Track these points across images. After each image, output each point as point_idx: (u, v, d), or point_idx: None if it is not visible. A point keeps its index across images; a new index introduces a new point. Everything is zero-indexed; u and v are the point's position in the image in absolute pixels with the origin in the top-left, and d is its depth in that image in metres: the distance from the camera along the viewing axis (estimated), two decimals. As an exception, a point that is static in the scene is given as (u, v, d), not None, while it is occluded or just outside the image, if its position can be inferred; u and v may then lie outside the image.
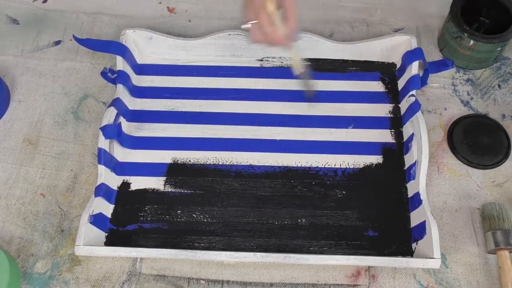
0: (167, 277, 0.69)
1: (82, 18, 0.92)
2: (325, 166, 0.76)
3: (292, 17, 0.63)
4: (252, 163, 0.77)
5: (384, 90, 0.83)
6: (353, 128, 0.79)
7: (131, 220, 0.73)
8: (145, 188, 0.75)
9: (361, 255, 0.66)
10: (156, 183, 0.76)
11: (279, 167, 0.76)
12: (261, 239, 0.71)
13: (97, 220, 0.70)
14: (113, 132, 0.75)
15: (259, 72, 0.85)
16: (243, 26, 0.66)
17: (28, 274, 0.69)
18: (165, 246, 0.70)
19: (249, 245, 0.71)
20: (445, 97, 0.83)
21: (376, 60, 0.85)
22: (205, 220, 0.73)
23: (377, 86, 0.83)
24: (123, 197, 0.74)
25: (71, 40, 0.88)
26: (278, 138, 0.79)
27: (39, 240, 0.72)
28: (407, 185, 0.74)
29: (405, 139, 0.78)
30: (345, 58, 0.85)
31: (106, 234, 0.72)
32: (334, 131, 0.79)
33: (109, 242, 0.71)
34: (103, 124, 0.74)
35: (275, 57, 0.86)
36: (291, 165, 0.77)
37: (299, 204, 0.74)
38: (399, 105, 0.81)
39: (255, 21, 0.64)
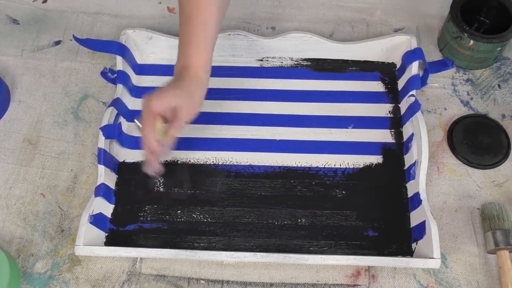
0: (167, 277, 0.69)
1: (82, 18, 0.92)
2: (325, 166, 0.76)
3: (173, 134, 0.66)
4: (252, 163, 0.77)
5: (384, 90, 0.83)
6: (353, 128, 0.79)
7: (131, 220, 0.73)
8: (145, 188, 0.75)
9: (361, 255, 0.67)
10: (156, 183, 0.75)
11: (279, 167, 0.77)
12: (261, 239, 0.71)
13: (97, 220, 0.70)
14: (113, 132, 0.75)
15: (259, 72, 0.85)
16: (136, 121, 0.69)
17: (28, 274, 0.69)
18: (165, 246, 0.70)
19: (249, 245, 0.71)
20: (445, 97, 0.83)
21: (376, 60, 0.85)
22: (205, 220, 0.73)
23: (377, 86, 0.83)
24: (123, 197, 0.74)
25: (71, 40, 0.88)
26: (278, 138, 0.79)
27: (39, 240, 0.72)
28: (407, 185, 0.74)
29: (405, 139, 0.78)
30: (345, 58, 0.85)
31: (106, 234, 0.72)
32: (334, 131, 0.79)
33: (109, 242, 0.71)
34: (103, 124, 0.74)
35: (275, 57, 0.86)
36: (291, 165, 0.77)
37: (299, 204, 0.74)
38: (399, 105, 0.81)
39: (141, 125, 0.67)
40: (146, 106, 0.65)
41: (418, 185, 0.71)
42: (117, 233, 0.72)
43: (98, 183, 0.72)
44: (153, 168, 0.70)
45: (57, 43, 0.89)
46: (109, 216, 0.73)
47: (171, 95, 0.65)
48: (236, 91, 0.83)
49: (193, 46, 0.68)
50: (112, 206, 0.74)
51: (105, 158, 0.73)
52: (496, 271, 0.69)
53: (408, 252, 0.70)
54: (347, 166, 0.76)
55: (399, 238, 0.71)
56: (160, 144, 0.66)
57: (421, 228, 0.68)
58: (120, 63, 0.80)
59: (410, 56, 0.80)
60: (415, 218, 0.71)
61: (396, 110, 0.81)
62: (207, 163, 0.77)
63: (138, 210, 0.74)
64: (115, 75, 0.81)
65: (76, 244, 0.67)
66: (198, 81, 0.67)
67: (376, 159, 0.77)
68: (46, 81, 0.85)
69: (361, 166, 0.76)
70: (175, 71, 0.69)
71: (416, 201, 0.71)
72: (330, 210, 0.73)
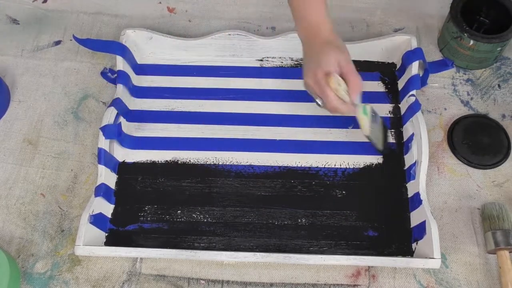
0: (167, 277, 0.69)
1: (82, 18, 0.92)
2: (325, 166, 0.76)
3: (354, 79, 0.67)
4: (252, 163, 0.77)
5: (384, 90, 0.83)
6: (353, 128, 0.79)
7: (131, 220, 0.73)
8: (145, 188, 0.75)
9: (361, 255, 0.66)
10: (156, 182, 0.76)
11: (279, 167, 0.76)
12: (261, 239, 0.71)
13: (97, 220, 0.70)
14: (113, 132, 0.75)
15: (259, 72, 0.85)
16: (318, 102, 0.70)
17: (28, 274, 0.69)
18: (165, 246, 0.70)
19: (249, 245, 0.71)
20: (445, 97, 0.83)
21: (376, 60, 0.85)
22: (205, 220, 0.73)
23: (377, 86, 0.83)
24: (123, 197, 0.74)
25: (71, 40, 0.88)
26: (278, 138, 0.79)
27: (39, 240, 0.72)
28: (407, 185, 0.74)
29: (405, 139, 0.78)
30: (345, 58, 0.85)
31: (106, 234, 0.72)
32: (334, 131, 0.79)
33: (109, 242, 0.71)
34: (103, 124, 0.74)
35: (275, 57, 0.86)
36: (291, 165, 0.77)
37: (299, 204, 0.74)
38: (399, 105, 0.81)
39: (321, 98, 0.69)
40: (314, 82, 0.67)
41: (418, 185, 0.71)
42: (117, 233, 0.72)
43: (98, 183, 0.72)
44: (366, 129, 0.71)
45: (57, 43, 0.89)
46: (109, 216, 0.73)
47: (337, 50, 0.67)
48: (236, 91, 0.83)
49: (321, 4, 0.70)
50: (112, 206, 0.74)
51: (105, 158, 0.73)
52: (496, 271, 0.69)
53: (408, 252, 0.70)
54: (347, 166, 0.76)
55: (399, 238, 0.71)
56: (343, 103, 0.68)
57: (421, 228, 0.68)
58: (120, 63, 0.80)
59: (410, 56, 0.80)
60: (415, 218, 0.71)
61: (396, 110, 0.81)
62: (207, 163, 0.77)
63: (138, 210, 0.74)
64: (115, 75, 0.81)
65: (76, 244, 0.67)
66: (331, 38, 0.69)
67: (376, 159, 0.77)
68: (46, 81, 0.85)
69: (361, 166, 0.76)
70: (304, 33, 0.70)
71: (416, 201, 0.71)
72: (330, 210, 0.73)
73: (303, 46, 0.71)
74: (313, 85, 0.68)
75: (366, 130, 0.72)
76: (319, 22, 0.69)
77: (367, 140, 0.77)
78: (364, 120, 0.71)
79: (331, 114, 0.78)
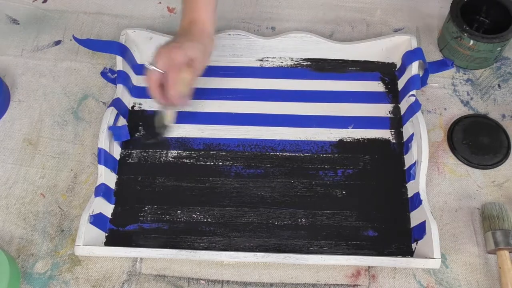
0: (167, 277, 0.69)
1: (82, 18, 0.92)
2: (325, 166, 0.76)
3: (188, 86, 0.70)
4: (252, 163, 0.77)
5: (384, 90, 0.83)
6: (353, 128, 0.79)
7: (131, 220, 0.73)
8: (145, 188, 0.75)
9: (361, 255, 0.66)
10: (156, 182, 0.76)
11: (279, 167, 0.76)
12: (261, 239, 0.71)
13: (97, 220, 0.70)
14: (124, 134, 0.76)
15: (259, 72, 0.85)
16: (148, 65, 0.68)
17: (28, 274, 0.69)
18: (165, 246, 0.70)
19: (249, 245, 0.71)
20: (445, 97, 0.83)
21: (376, 60, 0.85)
22: (205, 220, 0.73)
23: (377, 86, 0.83)
24: (123, 197, 0.74)
25: (71, 40, 0.88)
26: (278, 138, 0.79)
27: (39, 240, 0.72)
28: (407, 185, 0.74)
29: (405, 139, 0.78)
30: (345, 58, 0.85)
31: (106, 234, 0.72)
32: (334, 131, 0.79)
33: (109, 242, 0.71)
34: (103, 124, 0.74)
35: (275, 57, 0.86)
36: (291, 165, 0.77)
37: (299, 204, 0.74)
38: (399, 105, 0.81)
39: (162, 71, 0.68)
40: (167, 58, 0.67)
41: (418, 185, 0.71)
42: (117, 233, 0.72)
43: (98, 183, 0.72)
44: (171, 119, 0.73)
45: (57, 43, 0.89)
46: (109, 216, 0.73)
47: (190, 46, 0.68)
48: (236, 91, 0.83)
49: (201, 2, 0.72)
50: (112, 206, 0.74)
51: (105, 158, 0.73)
52: (496, 271, 0.69)
53: (408, 252, 0.70)
54: (347, 166, 0.76)
55: (399, 238, 0.71)
56: (182, 96, 0.69)
57: (421, 228, 0.68)
58: (120, 63, 0.80)
59: (410, 56, 0.80)
60: (415, 218, 0.71)
61: (396, 110, 0.81)
62: (207, 163, 0.77)
63: (138, 210, 0.74)
64: (115, 75, 0.81)
65: (76, 244, 0.67)
66: (208, 35, 0.72)
67: (376, 159, 0.77)
68: (46, 81, 0.85)
69: (361, 166, 0.76)
70: (182, 26, 0.72)
71: (416, 201, 0.71)
72: (330, 210, 0.73)
73: (180, 29, 0.72)
74: (164, 57, 0.67)
75: (170, 119, 0.75)
76: (202, 21, 0.71)
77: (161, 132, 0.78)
78: (173, 113, 0.74)
79: (332, 114, 0.79)
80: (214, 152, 0.78)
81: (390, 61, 0.85)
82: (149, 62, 0.69)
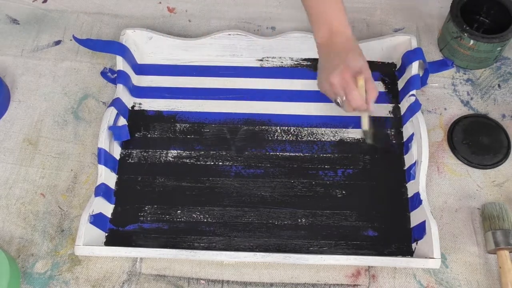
0: (167, 277, 0.69)
1: (82, 18, 0.92)
2: (325, 166, 0.76)
3: (372, 86, 0.69)
4: (252, 163, 0.77)
5: (384, 90, 0.83)
6: (353, 128, 0.79)
7: (131, 220, 0.73)
8: (145, 188, 0.75)
9: (361, 255, 0.66)
10: (156, 182, 0.76)
11: (279, 167, 0.76)
12: (261, 239, 0.71)
13: (97, 220, 0.70)
14: (124, 134, 0.76)
15: (259, 72, 0.85)
16: (338, 101, 0.70)
17: (28, 274, 0.69)
18: (165, 246, 0.70)
19: (249, 245, 0.71)
20: (445, 97, 0.83)
21: (376, 60, 0.85)
22: (205, 220, 0.73)
23: (377, 86, 0.83)
24: (123, 197, 0.74)
25: (71, 40, 0.88)
26: (277, 138, 0.79)
27: (39, 240, 0.72)
28: (407, 185, 0.74)
29: (405, 139, 0.78)
30: (345, 58, 0.85)
31: (106, 234, 0.72)
32: (334, 131, 0.79)
33: (109, 242, 0.71)
34: (103, 124, 0.74)
35: (275, 57, 0.86)
36: (291, 165, 0.77)
37: (299, 204, 0.73)
38: (399, 105, 0.81)
39: (343, 97, 0.69)
40: (342, 79, 0.68)
41: (418, 185, 0.71)
42: (117, 233, 0.72)
43: (98, 183, 0.72)
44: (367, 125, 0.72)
45: (57, 43, 0.89)
46: (109, 216, 0.73)
47: (350, 59, 0.69)
48: (236, 91, 0.83)
49: (330, 4, 0.71)
50: (112, 206, 0.74)
51: (105, 158, 0.73)
52: (496, 271, 0.69)
53: (408, 252, 0.70)
54: (347, 166, 0.76)
55: (399, 238, 0.71)
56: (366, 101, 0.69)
57: (421, 228, 0.68)
58: (120, 63, 0.80)
59: (410, 56, 0.80)
60: (415, 218, 0.71)
61: (396, 110, 0.81)
62: (207, 163, 0.77)
63: (138, 210, 0.74)
64: (115, 75, 0.81)
65: (76, 244, 0.67)
66: (352, 40, 0.72)
67: (376, 159, 0.77)
68: (46, 81, 0.85)
69: (361, 166, 0.76)
70: (323, 38, 0.72)
71: (416, 201, 0.71)
72: (330, 210, 0.73)
73: (322, 47, 0.72)
74: (339, 83, 0.69)
75: (366, 125, 0.72)
76: (341, 28, 0.71)
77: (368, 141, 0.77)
78: (366, 118, 0.72)
79: (332, 115, 0.79)
80: (214, 152, 0.78)
81: (390, 61, 0.85)
82: (336, 101, 0.71)
